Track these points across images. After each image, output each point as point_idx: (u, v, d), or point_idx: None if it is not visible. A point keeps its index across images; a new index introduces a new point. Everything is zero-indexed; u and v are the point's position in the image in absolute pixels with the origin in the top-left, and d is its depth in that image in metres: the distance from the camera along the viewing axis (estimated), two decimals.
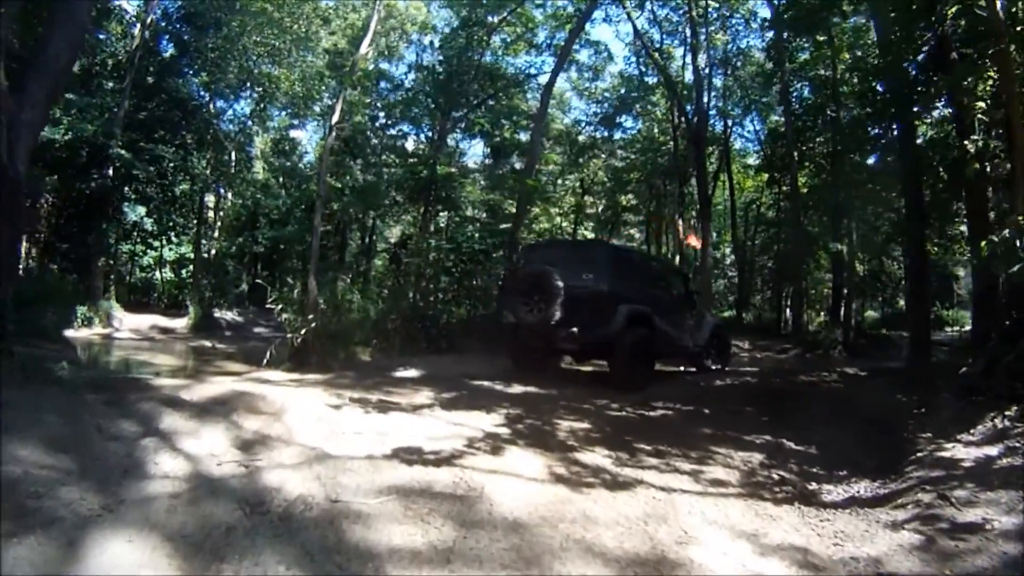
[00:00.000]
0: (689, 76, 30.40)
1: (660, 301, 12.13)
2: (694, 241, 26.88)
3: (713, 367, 14.06)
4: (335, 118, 14.71)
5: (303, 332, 13.10)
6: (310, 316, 13.23)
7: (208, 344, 21.14)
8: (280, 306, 13.47)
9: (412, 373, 12.35)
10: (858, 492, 6.78)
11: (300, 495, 4.72)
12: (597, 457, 6.74)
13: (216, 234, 35.12)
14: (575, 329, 10.53)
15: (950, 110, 14.21)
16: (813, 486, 6.96)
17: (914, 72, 14.02)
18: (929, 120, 16.62)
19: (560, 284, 10.57)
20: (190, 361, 16.88)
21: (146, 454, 5.32)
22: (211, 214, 36.41)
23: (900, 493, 6.09)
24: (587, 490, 5.48)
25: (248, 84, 30.76)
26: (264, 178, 37.31)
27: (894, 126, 15.97)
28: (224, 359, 17.17)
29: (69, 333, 19.97)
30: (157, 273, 36.99)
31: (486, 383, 11.31)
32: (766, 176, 36.34)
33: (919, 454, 7.27)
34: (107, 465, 4.99)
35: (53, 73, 9.05)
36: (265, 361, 12.84)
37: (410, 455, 5.89)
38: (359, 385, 10.20)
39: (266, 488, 4.84)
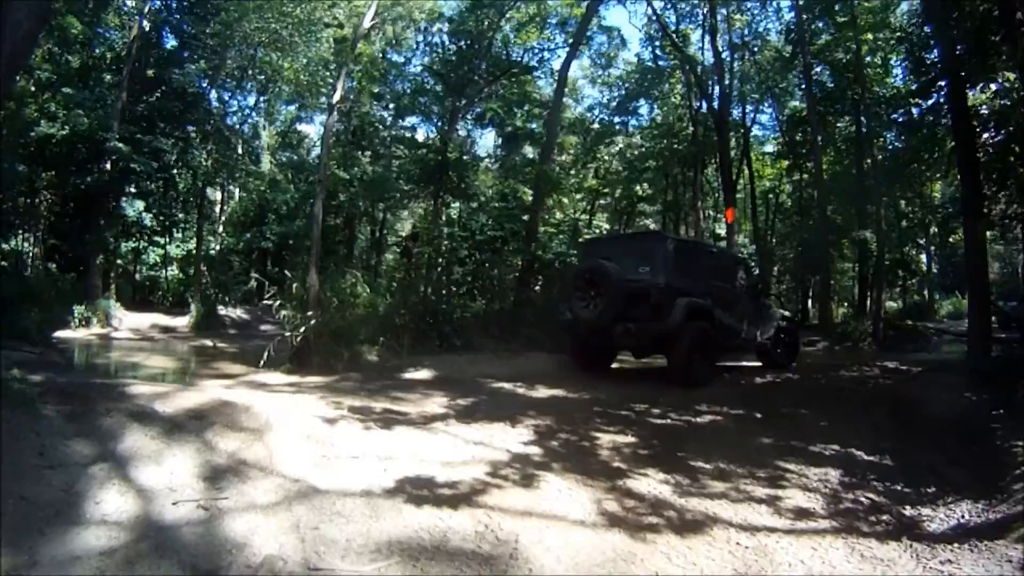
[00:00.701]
0: (708, 57, 29.01)
1: (721, 293, 11.48)
2: (731, 216, 25.57)
3: (779, 363, 13.15)
4: (337, 96, 13.53)
5: (303, 330, 11.93)
6: (310, 313, 12.00)
7: (209, 343, 19.92)
8: (278, 302, 12.19)
9: (423, 375, 11.13)
10: (964, 518, 5.43)
11: (268, 557, 3.47)
12: (652, 483, 5.41)
13: (220, 229, 33.97)
14: (632, 324, 10.11)
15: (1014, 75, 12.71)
16: (909, 511, 5.60)
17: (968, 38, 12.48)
18: (987, 92, 15.03)
19: (616, 278, 10.24)
20: (183, 362, 15.60)
21: (90, 488, 4.11)
22: (217, 209, 35.27)
23: (1017, 519, 4.90)
24: (652, 536, 4.19)
25: (250, 73, 29.63)
26: (271, 173, 35.98)
27: (943, 101, 14.56)
28: (222, 359, 15.96)
29: (64, 334, 19.44)
30: (164, 271, 35.72)
31: (507, 386, 10.11)
32: (785, 164, 35.34)
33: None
34: (35, 506, 3.80)
35: (14, 42, 7.83)
36: (262, 362, 11.68)
37: (419, 489, 4.61)
38: (362, 390, 9.09)
39: (226, 542, 3.61)
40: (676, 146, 33.31)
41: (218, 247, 33.18)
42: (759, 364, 13.45)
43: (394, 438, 6.11)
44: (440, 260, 13.07)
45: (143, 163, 23.96)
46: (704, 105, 29.85)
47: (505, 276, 13.80)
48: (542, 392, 9.60)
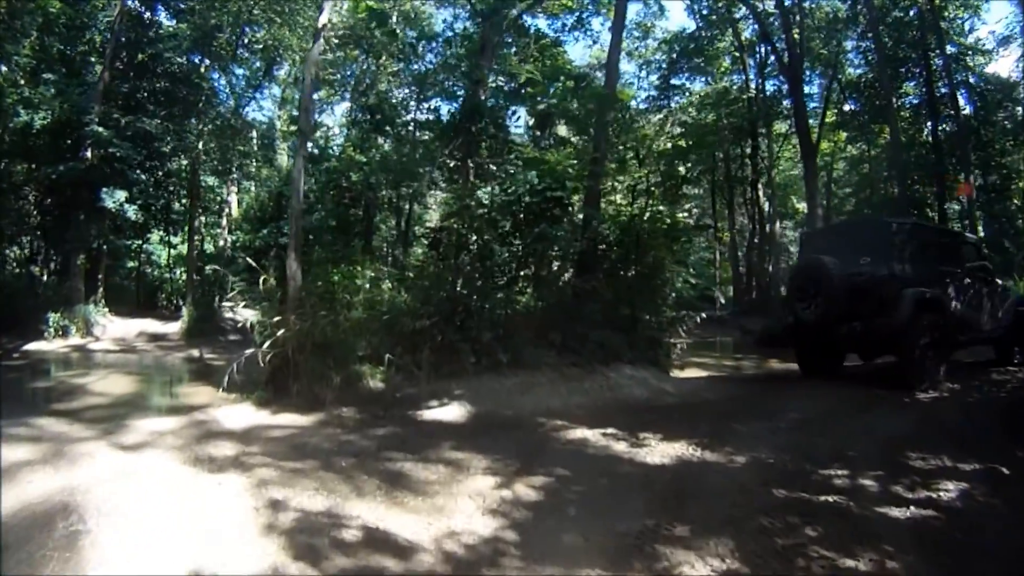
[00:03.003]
0: (770, 6, 24.46)
1: (952, 280, 9.82)
2: (968, 191, 21.72)
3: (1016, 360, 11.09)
4: (323, 18, 9.46)
5: (281, 343, 7.84)
6: (291, 317, 7.87)
7: (196, 354, 16.06)
8: (243, 303, 8.18)
9: (452, 413, 7.08)
10: None
11: None
12: None
13: (226, 224, 30.11)
14: (857, 324, 8.80)
15: None
16: None
17: None
18: None
19: (835, 274, 8.96)
20: (139, 385, 11.86)
21: None
22: (233, 204, 31.64)
23: None
24: None
25: (246, 42, 25.80)
26: (288, 166, 32.24)
27: None
28: (194, 379, 12.10)
29: (36, 346, 16.86)
30: (170, 272, 31.85)
31: (592, 436, 5.99)
32: (843, 136, 31.15)
33: None
34: None
35: None
36: (222, 388, 7.97)
37: None
38: (346, 451, 5.46)
39: None
40: (729, 119, 28.71)
41: (226, 244, 29.22)
42: (995, 359, 11.28)
43: None
44: (474, 239, 8.71)
45: (125, 148, 20.03)
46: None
47: (569, 254, 9.36)
48: (661, 452, 5.40)
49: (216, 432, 6.20)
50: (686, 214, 13.30)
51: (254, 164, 30.27)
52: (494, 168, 10.52)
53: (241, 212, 31.18)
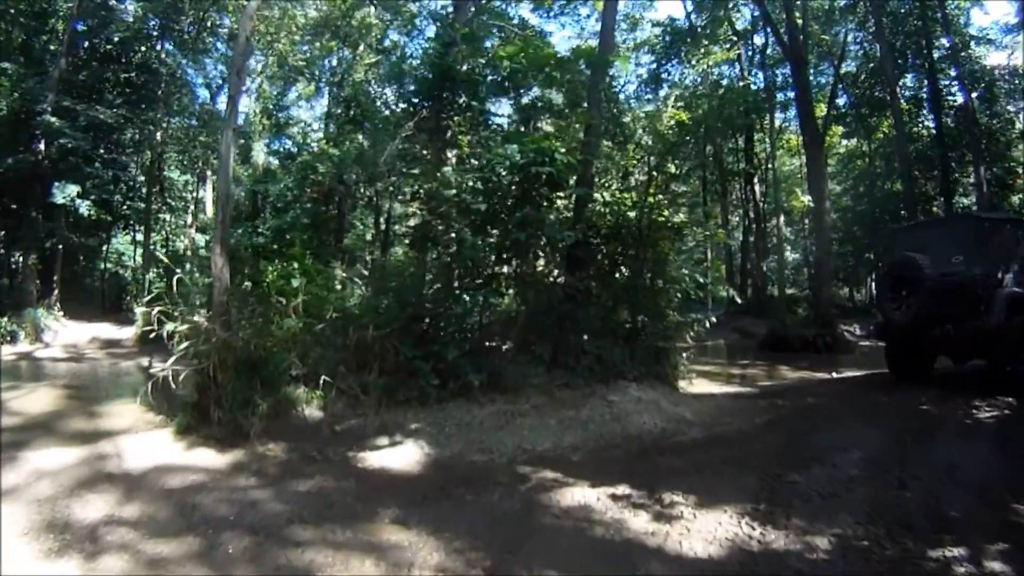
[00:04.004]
0: None
1: None
2: None
3: None
4: None
5: (202, 359, 6.14)
6: (215, 326, 6.18)
7: (146, 363, 14.26)
8: (156, 309, 6.41)
9: (404, 458, 5.28)
10: None
11: None
12: None
13: (190, 221, 28.30)
14: (948, 326, 8.14)
15: None
16: None
17: None
18: None
19: (926, 274, 8.35)
20: (71, 400, 10.05)
21: None
22: (208, 204, 30.04)
23: None
24: None
25: (209, 26, 24.00)
26: (263, 163, 30.58)
27: None
28: (133, 394, 10.29)
29: None
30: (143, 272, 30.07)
31: (593, 498, 4.27)
32: (839, 130, 29.82)
33: None
34: None
35: None
36: (148, 405, 6.72)
37: None
38: (251, 515, 4.03)
39: None
40: (725, 110, 27.09)
41: (193, 243, 27.45)
42: None
43: None
44: (443, 229, 6.78)
45: (79, 139, 18.25)
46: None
47: (559, 246, 7.42)
48: (703, 532, 3.69)
49: (107, 475, 4.93)
50: (685, 209, 11.51)
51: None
52: (467, 139, 8.56)
53: (215, 210, 29.54)
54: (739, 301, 12.04)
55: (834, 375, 11.34)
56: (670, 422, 6.23)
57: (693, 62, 26.66)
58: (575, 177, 8.10)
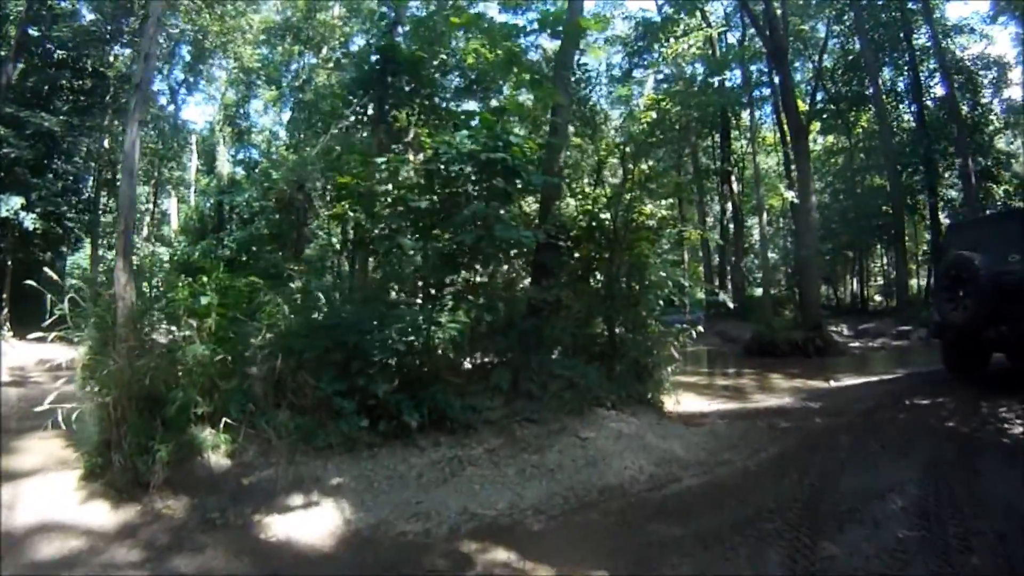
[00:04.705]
0: None
1: None
2: None
3: None
4: None
5: (104, 392, 5.14)
6: (114, 354, 5.14)
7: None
8: (51, 336, 5.44)
9: (317, 527, 4.07)
10: None
11: None
12: None
13: (146, 234, 27.08)
14: (1004, 327, 7.98)
15: None
16: None
17: None
18: None
19: (982, 272, 8.18)
20: None
21: None
22: (173, 217, 29.07)
23: None
24: None
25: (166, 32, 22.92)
26: (229, 173, 29.49)
27: None
28: (42, 434, 9.03)
29: None
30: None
31: None
32: (817, 125, 28.93)
33: None
34: None
35: None
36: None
37: None
38: None
39: None
40: (708, 108, 26.34)
41: (151, 257, 26.32)
42: None
43: None
44: (377, 232, 5.57)
45: (22, 148, 16.97)
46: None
47: (520, 249, 6.15)
48: None
49: None
50: (666, 203, 10.40)
51: (188, 171, 27.35)
52: (414, 129, 7.32)
53: (180, 223, 28.44)
54: (731, 306, 11.03)
55: (831, 383, 10.69)
56: (659, 464, 5.02)
57: (666, 53, 25.99)
58: (539, 168, 6.96)
